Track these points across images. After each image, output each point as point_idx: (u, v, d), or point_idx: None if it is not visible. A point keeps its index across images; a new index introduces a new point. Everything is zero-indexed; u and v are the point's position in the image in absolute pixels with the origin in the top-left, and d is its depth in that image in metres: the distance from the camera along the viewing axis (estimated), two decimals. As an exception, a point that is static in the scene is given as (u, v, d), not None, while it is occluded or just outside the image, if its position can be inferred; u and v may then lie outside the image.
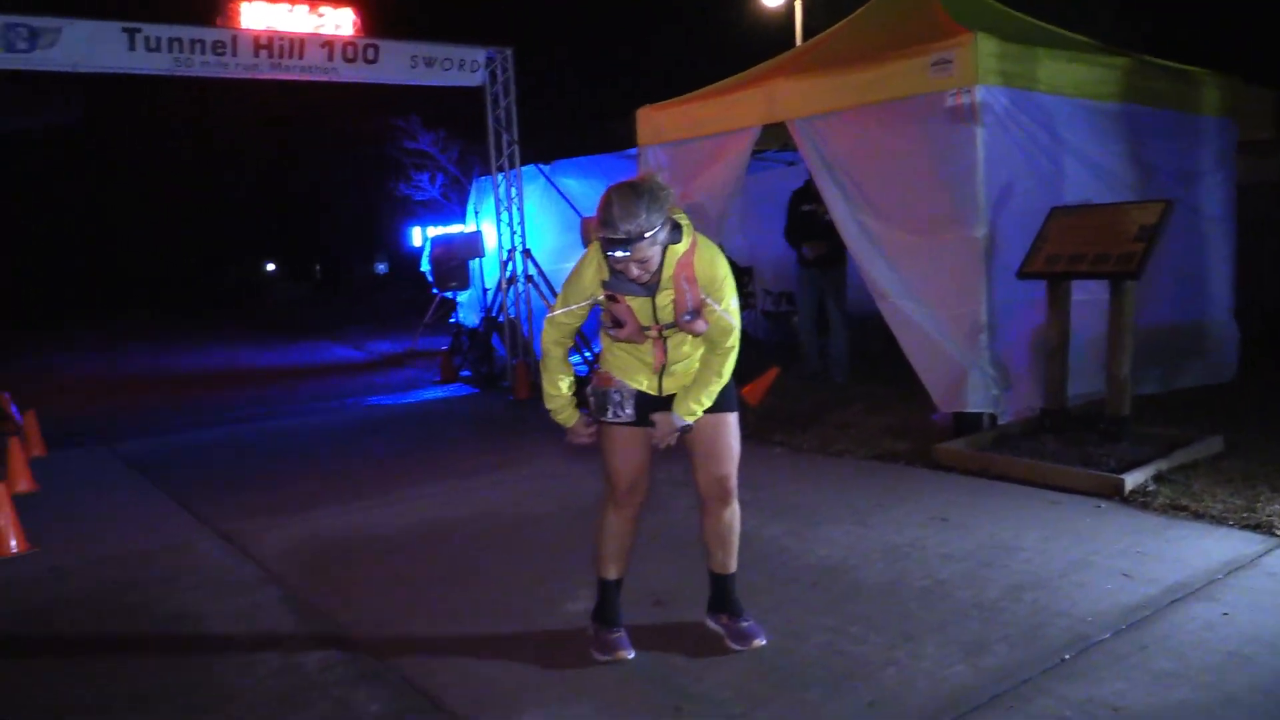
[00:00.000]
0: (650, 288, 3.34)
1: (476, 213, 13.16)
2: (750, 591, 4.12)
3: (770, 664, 3.51)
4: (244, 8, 9.64)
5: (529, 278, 10.99)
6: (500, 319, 11.29)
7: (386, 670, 3.65)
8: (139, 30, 9.12)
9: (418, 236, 19.19)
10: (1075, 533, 4.75)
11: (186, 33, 9.35)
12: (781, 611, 3.98)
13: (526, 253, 11.00)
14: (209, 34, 9.45)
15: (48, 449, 8.46)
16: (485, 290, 12.34)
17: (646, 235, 3.14)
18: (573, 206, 11.80)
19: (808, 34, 17.92)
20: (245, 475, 7.29)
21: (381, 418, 9.73)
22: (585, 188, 11.96)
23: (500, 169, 11.13)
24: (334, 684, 3.55)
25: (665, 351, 3.53)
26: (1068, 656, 3.42)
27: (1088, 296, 6.72)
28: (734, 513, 3.69)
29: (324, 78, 10.17)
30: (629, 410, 3.56)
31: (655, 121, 9.24)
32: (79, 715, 3.48)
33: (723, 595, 3.77)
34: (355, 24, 10.17)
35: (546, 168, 12.22)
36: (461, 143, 20.27)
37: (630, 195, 3.15)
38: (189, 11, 9.85)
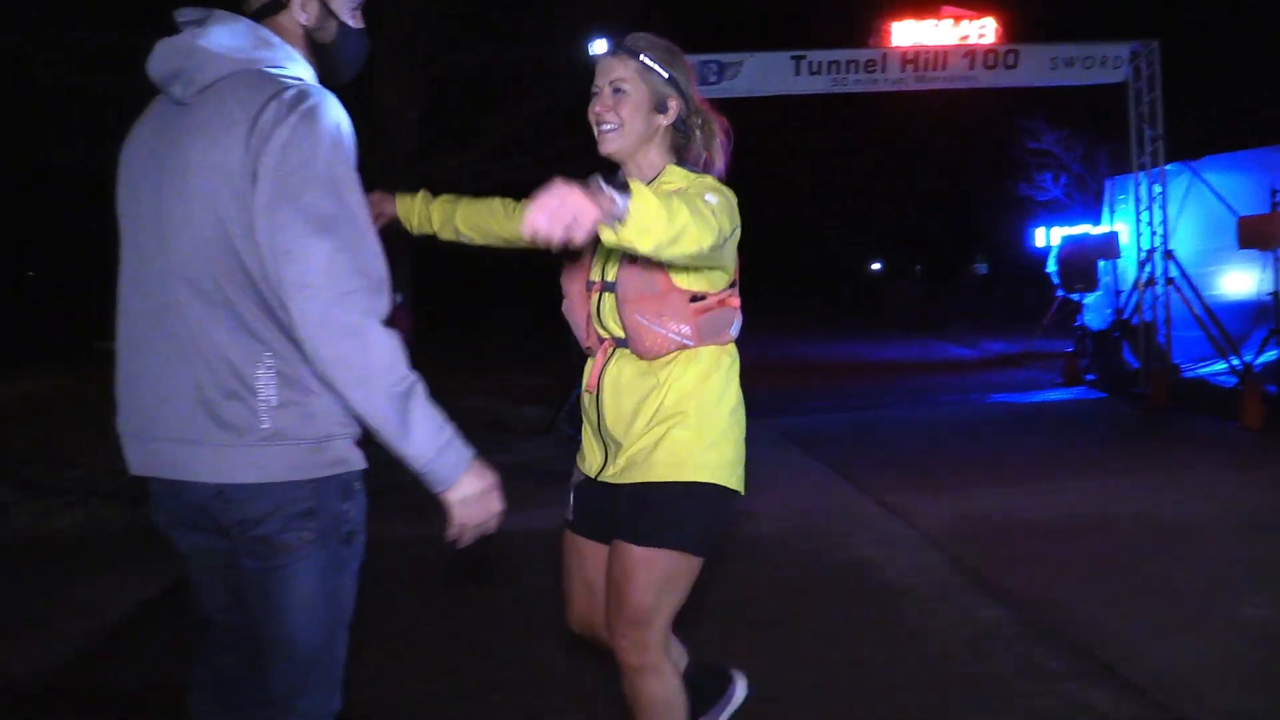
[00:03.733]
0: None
1: (1111, 212, 12.76)
2: None
3: None
4: (894, 27, 10.45)
5: (1169, 280, 10.47)
6: (1133, 322, 10.91)
7: (1059, 636, 3.97)
8: (804, 57, 10.35)
9: (1041, 237, 18.96)
10: None
11: (843, 55, 10.40)
12: None
13: (1168, 254, 10.49)
14: (862, 54, 10.41)
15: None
16: (1118, 292, 11.95)
17: (642, 55, 2.34)
18: (1226, 205, 10.91)
19: None
20: (887, 454, 8.03)
21: (1007, 414, 10.00)
22: (1241, 185, 10.98)
23: (1141, 167, 10.74)
24: (1012, 638, 3.96)
25: (603, 368, 2.39)
26: None
27: None
28: (642, 690, 2.36)
29: (964, 85, 10.65)
30: (569, 501, 2.56)
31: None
32: (805, 632, 4.30)
33: None
34: (997, 31, 10.49)
35: (1195, 164, 11.48)
36: (1086, 140, 19.60)
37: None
38: (843, 34, 10.93)
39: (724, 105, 2.61)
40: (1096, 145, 18.90)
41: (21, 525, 6.52)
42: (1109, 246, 12.05)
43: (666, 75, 2.34)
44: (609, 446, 2.40)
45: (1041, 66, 10.56)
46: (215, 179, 1.81)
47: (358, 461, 1.98)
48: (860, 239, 42.44)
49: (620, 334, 2.34)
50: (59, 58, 11.14)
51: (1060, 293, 13.87)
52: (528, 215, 1.73)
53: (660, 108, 2.35)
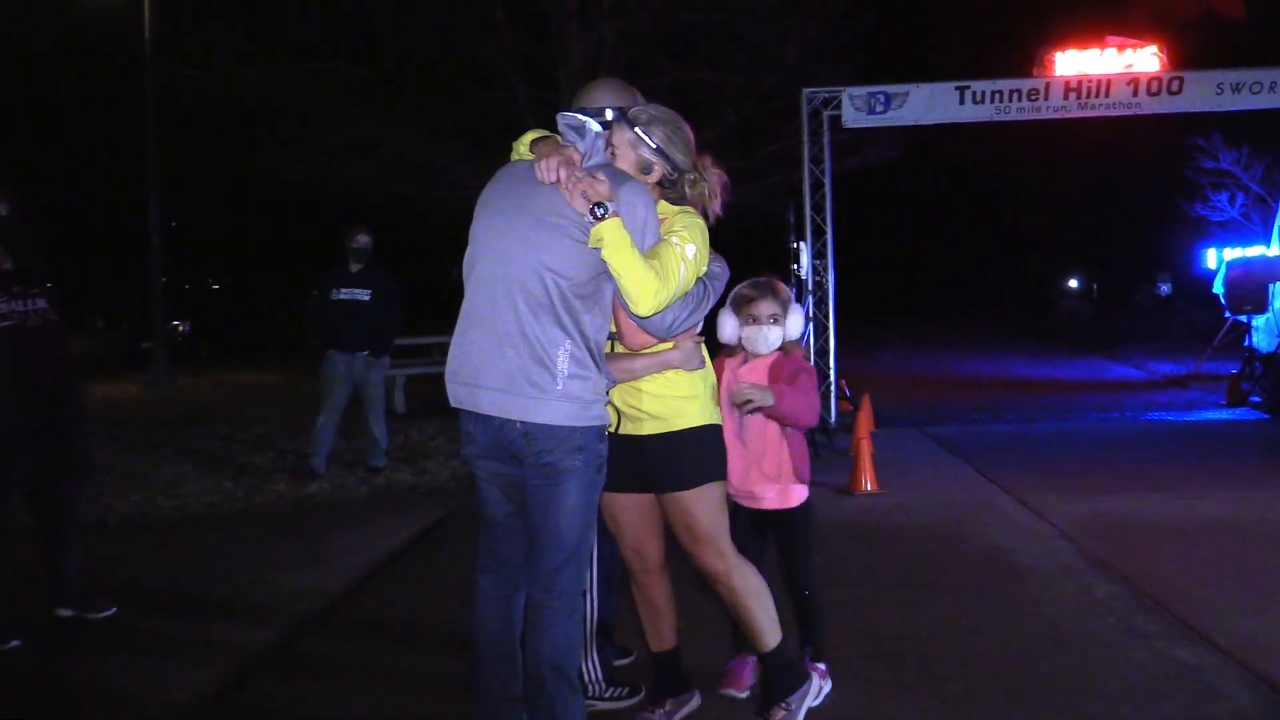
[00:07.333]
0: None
1: None
2: None
3: None
4: (1058, 57, 10.92)
5: (1336, 303, 10.54)
6: (1299, 344, 10.99)
7: (1163, 608, 4.59)
8: (968, 87, 10.93)
9: (1211, 259, 18.66)
10: None
11: (1006, 85, 10.93)
12: None
13: (1335, 277, 10.57)
14: (1025, 84, 10.92)
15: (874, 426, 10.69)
16: (1283, 315, 12.00)
17: (637, 128, 3.05)
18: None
19: None
20: (1035, 462, 8.59)
21: (1160, 431, 10.31)
22: None
23: (1309, 190, 10.82)
24: (1117, 610, 4.62)
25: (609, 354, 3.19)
26: None
27: None
28: (734, 586, 3.31)
29: (1126, 113, 11.00)
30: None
31: None
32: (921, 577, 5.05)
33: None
34: (1161, 60, 10.80)
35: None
36: (1269, 159, 19.11)
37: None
38: (1007, 64, 11.42)
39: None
40: (1278, 163, 18.45)
41: (281, 491, 7.87)
42: (1275, 269, 12.08)
43: (654, 146, 3.04)
44: (621, 410, 3.21)
45: (1207, 92, 10.79)
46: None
47: (608, 419, 2.97)
48: (1037, 258, 41.83)
49: (613, 329, 3.10)
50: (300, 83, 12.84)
51: (1228, 314, 13.85)
52: (581, 173, 2.79)
53: (645, 170, 3.07)
